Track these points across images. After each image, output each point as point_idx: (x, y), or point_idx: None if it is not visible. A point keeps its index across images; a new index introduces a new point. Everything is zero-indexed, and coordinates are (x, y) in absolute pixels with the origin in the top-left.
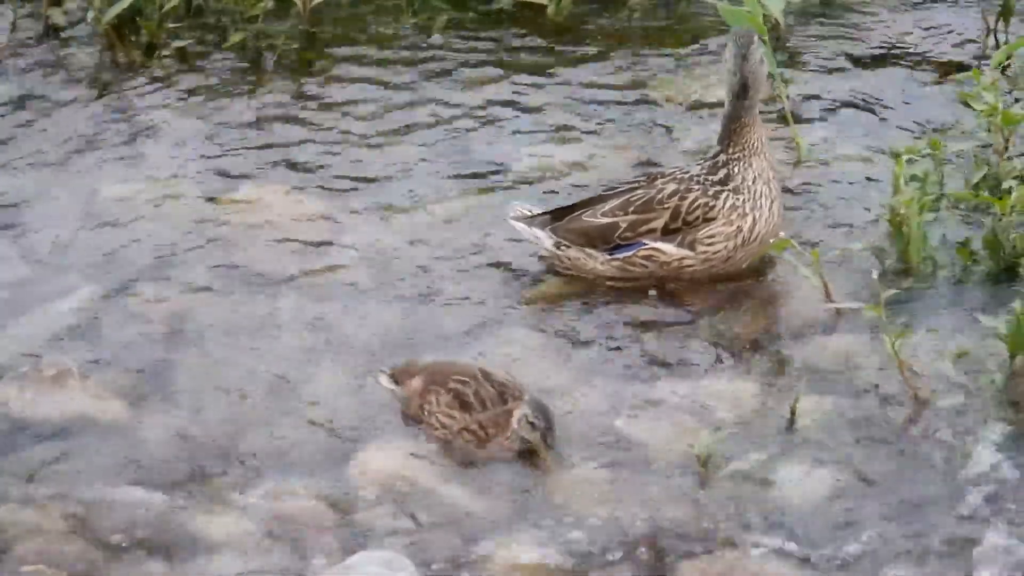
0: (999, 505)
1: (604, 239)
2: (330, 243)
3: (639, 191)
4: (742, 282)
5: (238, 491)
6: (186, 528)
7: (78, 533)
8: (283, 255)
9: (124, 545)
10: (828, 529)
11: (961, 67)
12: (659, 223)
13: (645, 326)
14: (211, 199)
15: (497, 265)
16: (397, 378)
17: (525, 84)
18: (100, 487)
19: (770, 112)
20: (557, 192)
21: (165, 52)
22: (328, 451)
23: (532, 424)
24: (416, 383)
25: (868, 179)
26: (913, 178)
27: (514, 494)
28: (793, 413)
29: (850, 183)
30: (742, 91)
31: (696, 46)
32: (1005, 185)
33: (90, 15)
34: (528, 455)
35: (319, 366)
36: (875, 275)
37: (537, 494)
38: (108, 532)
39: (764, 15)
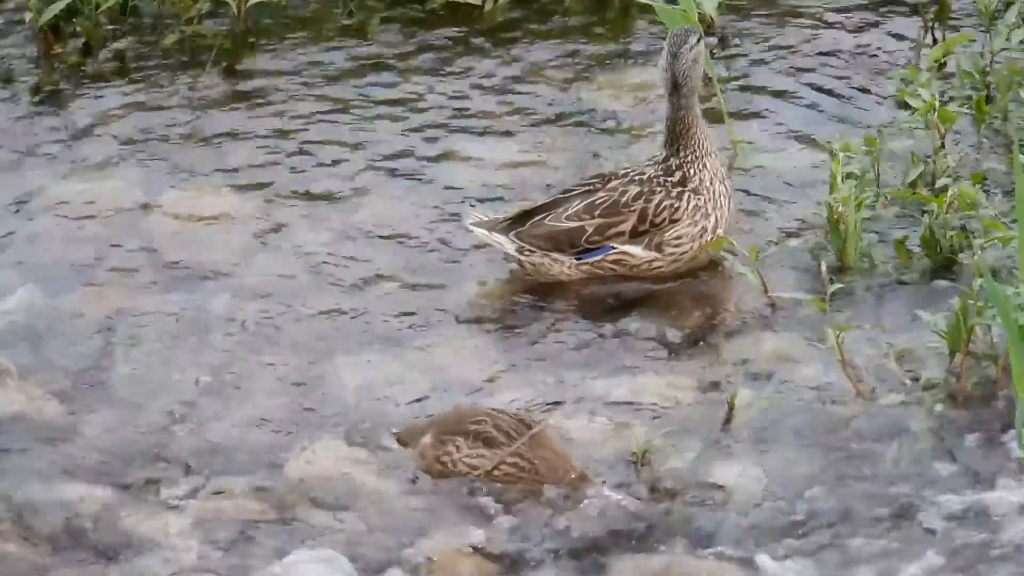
0: (937, 499)
1: (571, 243)
2: (266, 242)
3: (600, 193)
4: (682, 279)
5: (174, 490)
6: (122, 527)
7: (14, 532)
8: (219, 254)
9: (60, 544)
10: (766, 526)
11: (898, 65)
12: (627, 226)
13: (583, 323)
14: (147, 199)
15: (434, 263)
16: (405, 441)
17: (461, 83)
18: (36, 486)
19: (707, 110)
20: (499, 191)
21: (102, 53)
22: (265, 450)
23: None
24: (427, 439)
25: (805, 177)
26: (850, 176)
27: (449, 492)
28: (731, 409)
29: (787, 181)
30: (673, 89)
31: (632, 46)
32: (941, 183)
33: (27, 16)
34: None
35: (256, 365)
36: (823, 268)
37: (472, 492)
38: (44, 531)
39: (701, 14)
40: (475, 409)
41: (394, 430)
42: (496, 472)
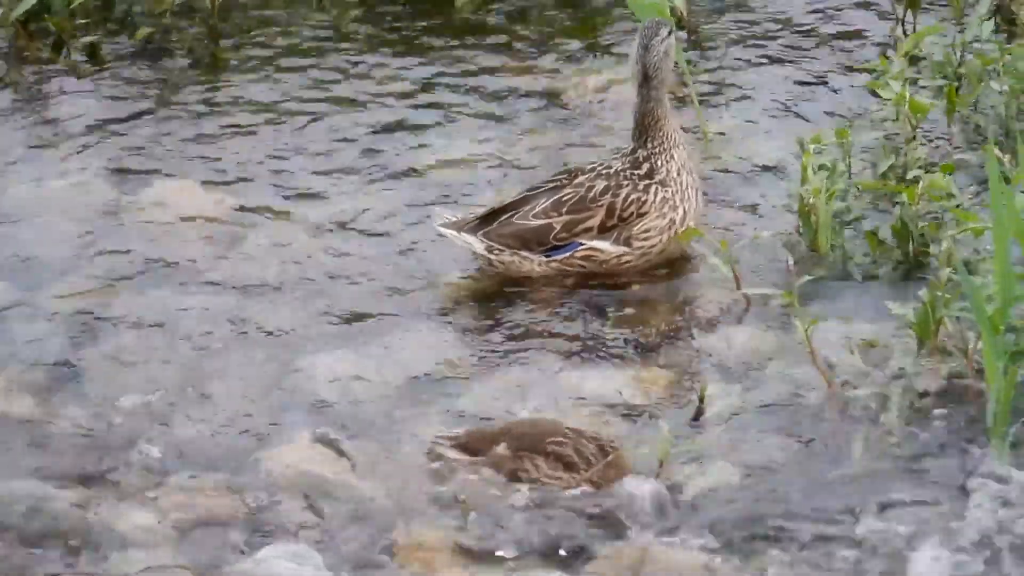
0: (908, 491)
1: (539, 241)
2: (239, 238)
3: (567, 189)
4: (653, 272)
5: (147, 486)
6: (94, 523)
7: None
8: (192, 250)
9: (33, 540)
10: (737, 518)
11: (870, 56)
12: (595, 221)
13: (554, 318)
14: (120, 195)
15: (408, 262)
16: (472, 447)
17: (434, 78)
18: (9, 482)
19: (678, 102)
20: (471, 186)
21: (74, 48)
22: (238, 446)
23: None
24: (501, 450)
25: (776, 168)
26: (821, 167)
27: (422, 487)
28: (701, 402)
29: (758, 172)
30: (644, 80)
31: (604, 40)
32: (913, 174)
33: None
34: None
35: (229, 361)
36: (790, 262)
37: (445, 487)
38: (17, 527)
39: (672, 6)
40: (556, 426)
41: (448, 435)
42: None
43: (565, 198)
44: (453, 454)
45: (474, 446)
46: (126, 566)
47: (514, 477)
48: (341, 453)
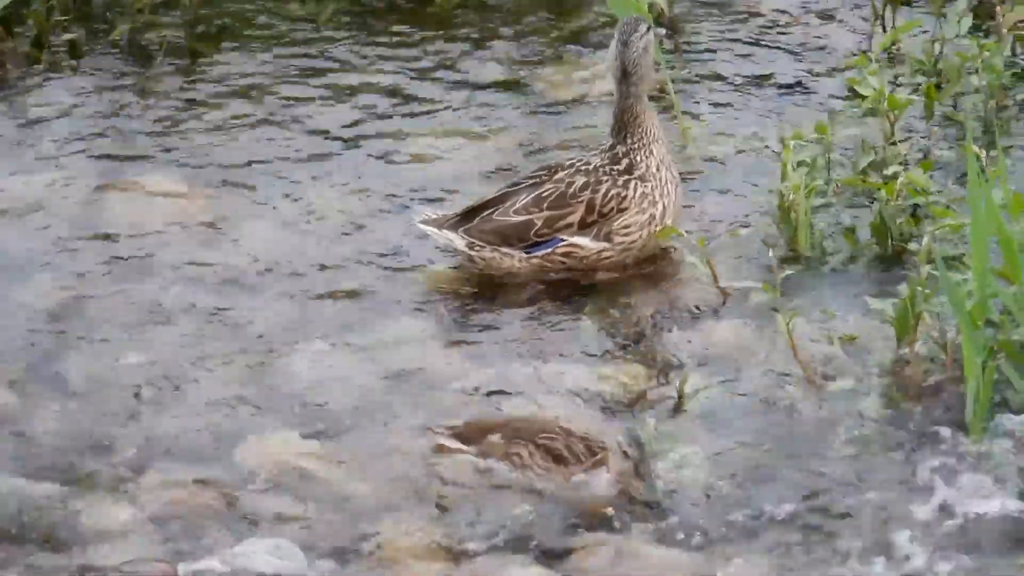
0: (886, 485)
1: (520, 237)
2: (219, 234)
3: (547, 186)
4: (633, 268)
5: (126, 480)
6: (74, 517)
7: None
8: (171, 246)
9: (12, 535)
10: (715, 512)
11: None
12: (575, 217)
13: (534, 313)
14: (100, 189)
15: (386, 256)
16: (468, 437)
17: (414, 73)
18: None
19: (658, 99)
20: (450, 181)
21: (53, 44)
22: (217, 439)
23: (625, 453)
24: (495, 439)
25: (756, 165)
26: (800, 163)
27: (402, 480)
28: (680, 396)
29: (737, 168)
30: (623, 77)
31: (583, 36)
32: (892, 170)
33: None
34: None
35: (208, 354)
36: (772, 255)
37: (425, 480)
38: None
39: (650, 4)
40: (550, 423)
41: (447, 425)
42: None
43: (545, 194)
44: (450, 443)
45: (470, 436)
46: (105, 560)
47: (506, 462)
48: (322, 447)
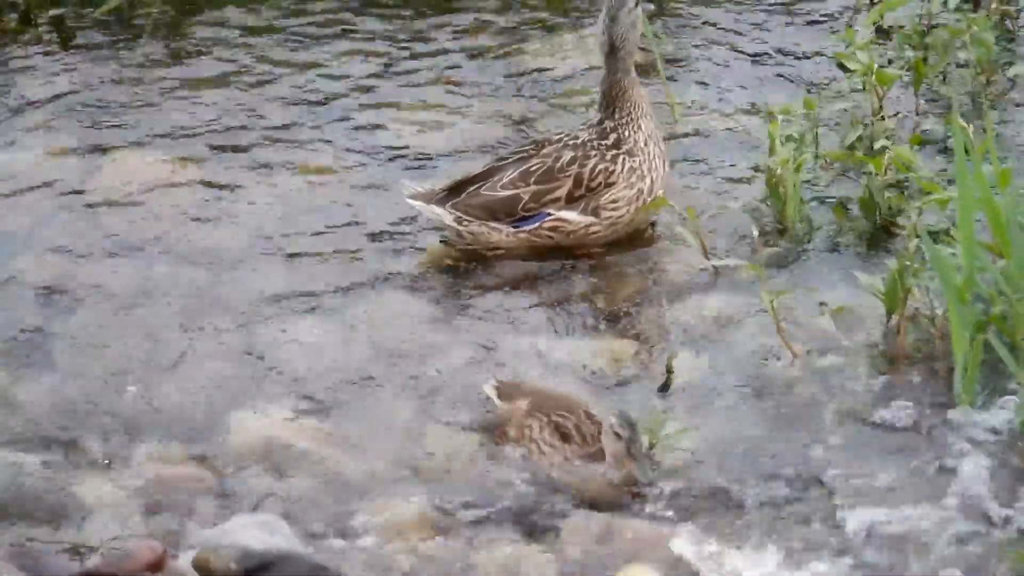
0: (873, 459)
1: (507, 212)
2: (207, 209)
3: (534, 160)
4: (622, 243)
5: (115, 455)
6: (63, 492)
7: None
8: (159, 221)
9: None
10: (703, 486)
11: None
12: (562, 192)
13: (523, 288)
14: (88, 166)
15: (374, 230)
16: (503, 394)
17: (401, 46)
18: None
19: (647, 75)
20: (438, 156)
21: (41, 20)
22: (205, 415)
23: (617, 434)
24: (522, 404)
25: (744, 140)
26: (789, 138)
27: (391, 456)
28: (669, 372)
29: (725, 143)
30: (611, 51)
31: (572, 10)
32: (879, 145)
33: None
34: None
35: (197, 331)
36: (755, 233)
37: (414, 456)
38: None
39: None
40: (574, 401)
41: (495, 382)
42: (560, 467)
43: (533, 169)
44: (490, 391)
45: (505, 394)
46: (94, 535)
47: (519, 432)
48: (312, 422)
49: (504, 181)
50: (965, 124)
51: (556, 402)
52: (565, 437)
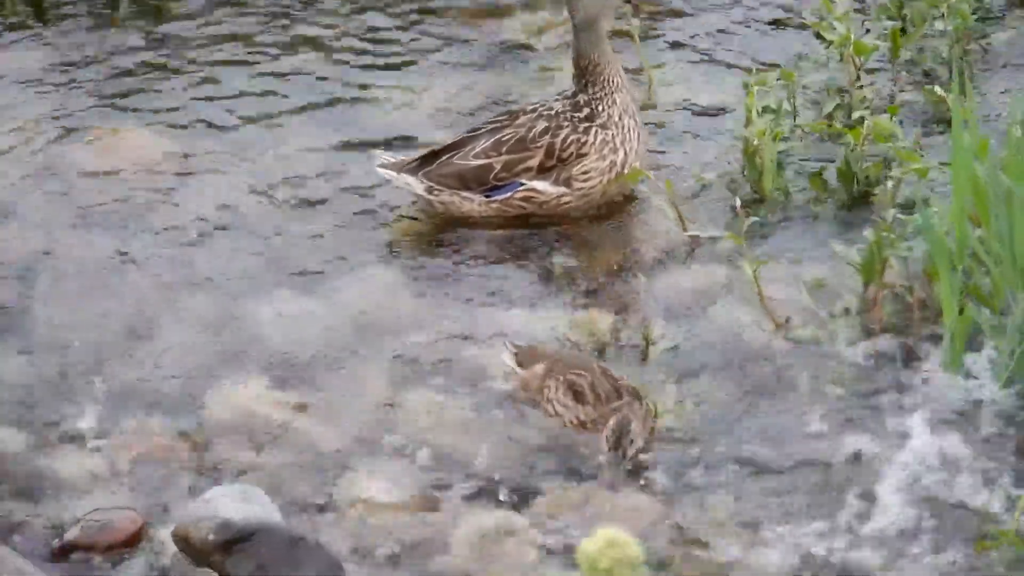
0: (852, 428)
1: (479, 181)
2: (184, 183)
3: (507, 130)
4: (599, 214)
5: (94, 430)
6: (41, 468)
7: None
8: (136, 196)
9: None
10: (682, 458)
11: None
12: (534, 162)
13: (499, 260)
14: (65, 142)
15: (352, 205)
16: (521, 360)
17: (377, 21)
18: None
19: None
20: (413, 127)
21: None
22: (184, 388)
23: (606, 439)
24: (539, 368)
25: (721, 111)
26: (766, 109)
27: (369, 427)
28: (647, 343)
29: (702, 114)
30: (583, 24)
31: None
32: (857, 115)
33: None
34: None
35: (175, 305)
36: (738, 203)
37: (393, 428)
38: None
39: None
40: (588, 361)
41: (513, 347)
42: (571, 425)
43: (505, 138)
44: (507, 359)
45: (523, 360)
46: (73, 509)
47: (538, 394)
48: (290, 396)
49: (476, 151)
50: (943, 94)
51: (572, 362)
52: (578, 396)
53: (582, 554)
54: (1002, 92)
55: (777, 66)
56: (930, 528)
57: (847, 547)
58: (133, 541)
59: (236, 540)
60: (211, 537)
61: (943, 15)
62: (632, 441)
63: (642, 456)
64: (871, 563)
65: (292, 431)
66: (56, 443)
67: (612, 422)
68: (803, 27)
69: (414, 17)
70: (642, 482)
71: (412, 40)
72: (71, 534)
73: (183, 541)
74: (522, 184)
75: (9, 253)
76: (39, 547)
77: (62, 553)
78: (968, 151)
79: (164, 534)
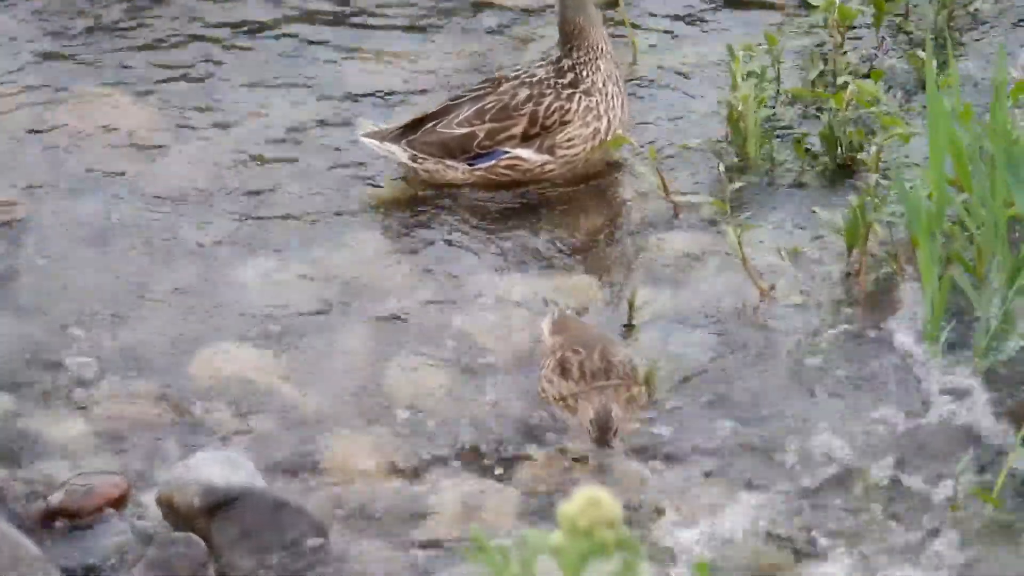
0: (835, 394)
1: (462, 149)
2: (166, 149)
3: (490, 98)
4: (582, 180)
5: (77, 395)
6: (25, 432)
7: None
8: (120, 161)
9: None
10: (665, 424)
11: None
12: (518, 130)
13: (483, 225)
14: (48, 106)
15: (337, 170)
16: (556, 329)
17: None
18: None
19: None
20: (397, 95)
21: None
22: (168, 353)
23: (588, 430)
24: (558, 339)
25: (705, 77)
26: (750, 74)
27: (353, 394)
28: (631, 308)
29: (686, 80)
30: None
31: None
32: (841, 80)
33: None
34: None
35: (159, 270)
36: (721, 168)
37: (377, 393)
38: None
39: None
40: (598, 341)
41: (556, 314)
42: (556, 403)
43: (488, 106)
44: (544, 327)
45: (556, 329)
46: (57, 473)
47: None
48: (274, 361)
49: (459, 119)
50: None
51: (583, 340)
52: (565, 373)
53: (562, 514)
54: (987, 56)
55: (762, 31)
56: (907, 490)
57: (815, 508)
58: (117, 505)
59: (220, 505)
60: (195, 501)
61: None
62: (616, 431)
63: (626, 428)
64: (845, 526)
65: (276, 396)
66: (40, 408)
67: (592, 414)
68: None
69: None
70: (624, 448)
71: (398, 4)
72: (55, 498)
73: (167, 506)
74: (506, 152)
75: None
76: (23, 511)
77: (46, 517)
78: (946, 114)
79: (149, 499)
